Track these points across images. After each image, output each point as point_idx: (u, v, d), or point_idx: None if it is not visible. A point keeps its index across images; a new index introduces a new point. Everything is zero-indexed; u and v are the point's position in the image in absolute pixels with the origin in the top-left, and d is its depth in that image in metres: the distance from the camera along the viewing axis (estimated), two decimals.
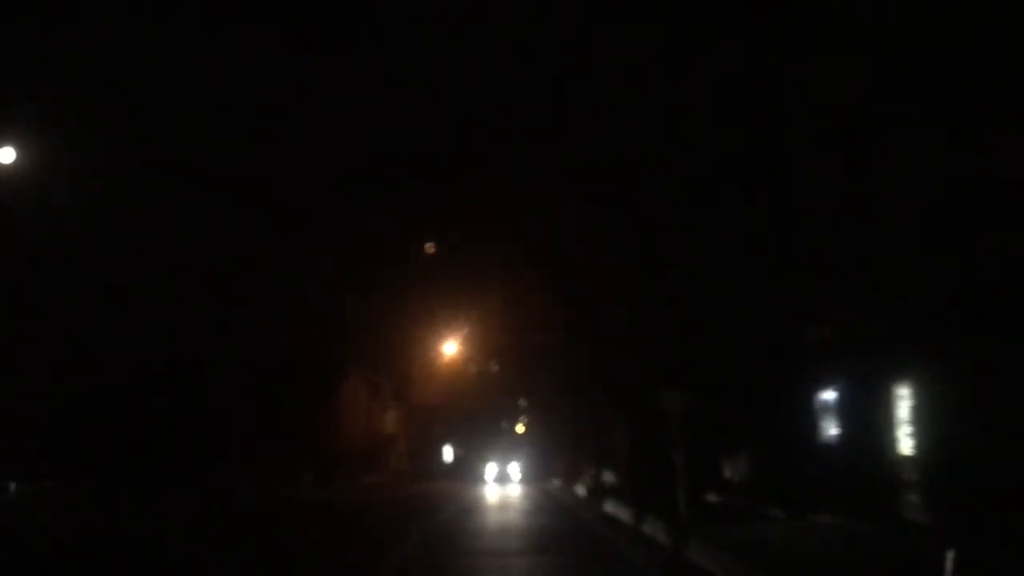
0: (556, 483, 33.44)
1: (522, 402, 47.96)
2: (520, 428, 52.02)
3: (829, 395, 11.93)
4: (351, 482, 29.04)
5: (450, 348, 37.72)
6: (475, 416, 48.16)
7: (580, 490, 23.66)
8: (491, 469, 47.70)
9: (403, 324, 35.68)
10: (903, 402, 9.90)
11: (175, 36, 20.34)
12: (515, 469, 47.93)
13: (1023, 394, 7.53)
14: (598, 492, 19.54)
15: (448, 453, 51.36)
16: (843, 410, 11.57)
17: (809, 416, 12.36)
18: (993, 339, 7.89)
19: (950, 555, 4.94)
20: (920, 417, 9.54)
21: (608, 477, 22.50)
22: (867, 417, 10.59)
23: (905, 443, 9.82)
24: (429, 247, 29.19)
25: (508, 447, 50.71)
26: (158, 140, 26.75)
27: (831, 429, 11.91)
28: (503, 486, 37.84)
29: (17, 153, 14.63)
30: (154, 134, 24.23)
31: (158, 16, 20.24)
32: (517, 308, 28.06)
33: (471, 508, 19.32)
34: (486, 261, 29.82)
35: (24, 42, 19.10)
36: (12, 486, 20.03)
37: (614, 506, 15.57)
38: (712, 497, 14.38)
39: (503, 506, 21.02)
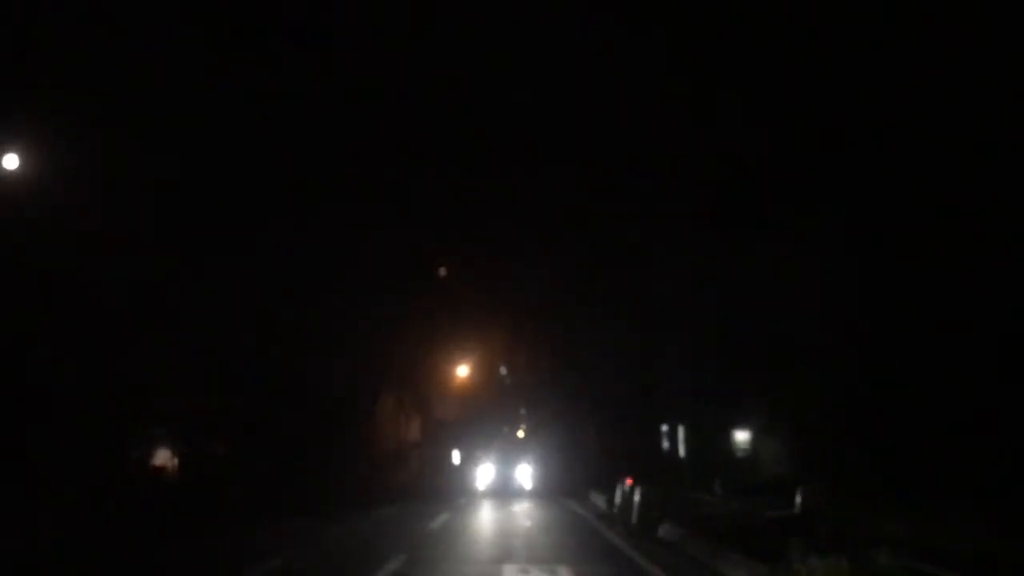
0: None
1: (522, 411, 53.79)
2: (521, 433, 52.33)
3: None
4: (389, 476, 37.00)
5: (463, 370, 46.06)
6: (478, 422, 48.21)
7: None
8: (485, 474, 37.02)
9: (422, 344, 40.55)
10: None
11: (171, 36, 18.80)
12: (525, 475, 36.52)
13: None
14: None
15: (456, 457, 58.08)
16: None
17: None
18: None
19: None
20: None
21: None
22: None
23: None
24: (441, 271, 33.80)
25: (511, 448, 43.68)
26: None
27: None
28: (503, 505, 24.74)
29: (21, 159, 14.45)
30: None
31: (148, 14, 18.40)
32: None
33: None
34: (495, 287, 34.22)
35: (25, 46, 17.38)
36: None
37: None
38: None
39: None
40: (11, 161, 14.35)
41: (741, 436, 20.41)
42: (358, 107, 24.72)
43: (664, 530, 13.75)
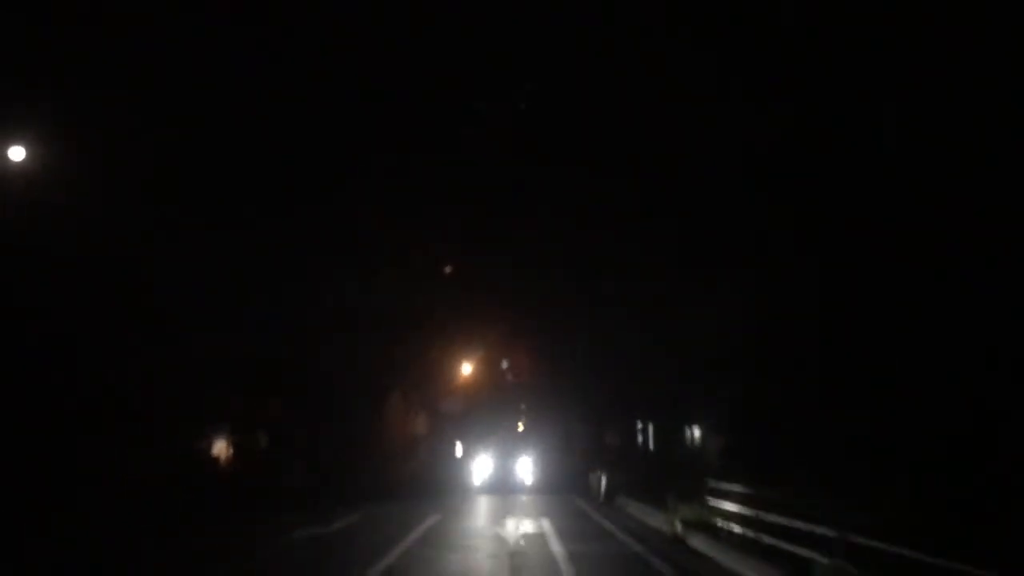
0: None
1: (522, 406, 57.50)
2: (520, 427, 52.46)
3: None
4: (398, 465, 41.24)
5: (466, 367, 49.86)
6: (480, 417, 48.82)
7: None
8: (483, 468, 35.12)
9: (426, 342, 42.50)
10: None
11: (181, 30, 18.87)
12: (526, 470, 35.48)
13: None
14: None
15: (459, 450, 62.10)
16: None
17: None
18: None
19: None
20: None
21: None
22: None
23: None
24: (448, 269, 35.15)
25: (510, 442, 42.97)
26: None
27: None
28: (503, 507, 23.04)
29: (27, 151, 14.86)
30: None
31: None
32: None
33: None
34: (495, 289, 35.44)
35: (30, 39, 17.41)
36: None
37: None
38: None
39: None
40: (17, 153, 14.89)
41: (694, 433, 25.08)
42: (359, 106, 25.39)
43: (619, 500, 22.27)
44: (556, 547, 13.56)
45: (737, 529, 12.32)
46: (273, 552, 13.39)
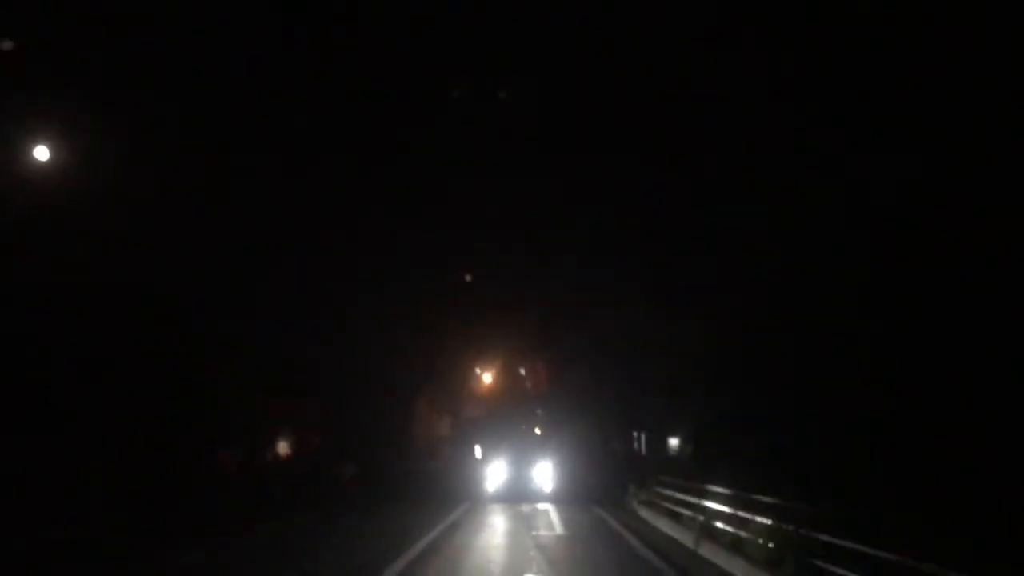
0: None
1: (538, 411, 61.33)
2: (538, 431, 59.73)
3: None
4: (423, 463, 46.04)
5: (487, 371, 53.92)
6: (500, 420, 45.82)
7: None
8: (496, 473, 30.93)
9: (452, 350, 47.06)
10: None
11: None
12: (544, 475, 29.98)
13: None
14: None
15: (479, 451, 66.00)
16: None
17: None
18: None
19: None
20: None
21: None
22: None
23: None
24: (467, 276, 37.09)
25: (527, 445, 35.47)
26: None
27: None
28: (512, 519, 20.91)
29: (51, 151, 15.01)
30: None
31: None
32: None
33: None
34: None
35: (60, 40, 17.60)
36: None
37: None
38: None
39: None
40: (42, 153, 15.20)
41: (673, 442, 30.13)
42: (364, 107, 27.76)
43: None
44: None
45: (666, 504, 17.97)
46: None
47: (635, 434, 35.65)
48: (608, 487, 26.79)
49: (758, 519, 11.12)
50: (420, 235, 34.43)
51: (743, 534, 11.50)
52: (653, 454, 31.89)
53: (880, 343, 18.32)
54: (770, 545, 10.20)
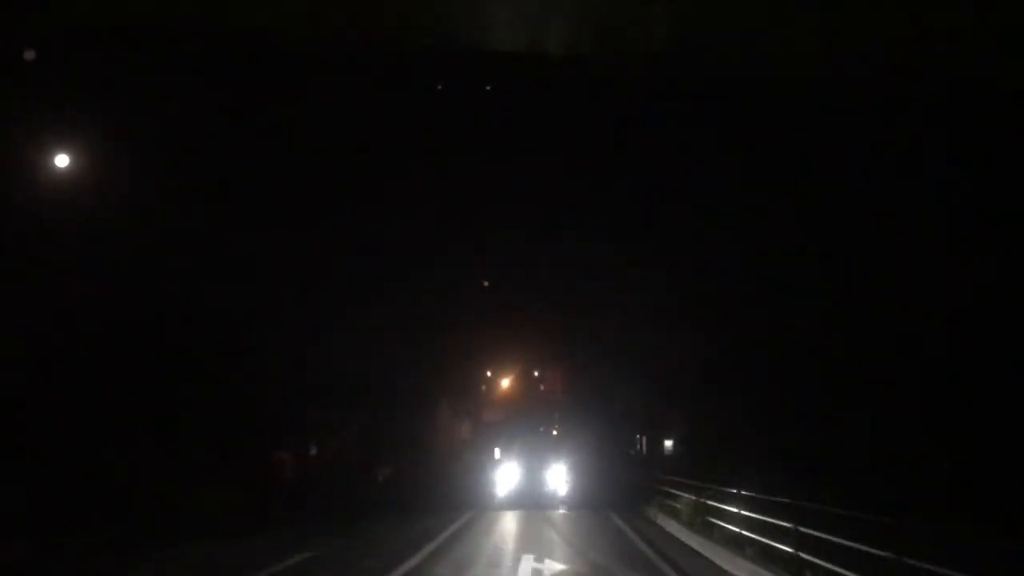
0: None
1: (555, 414, 63.64)
2: (555, 432, 50.89)
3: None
4: (446, 466, 49.34)
5: (505, 378, 56.86)
6: (517, 423, 47.92)
7: None
8: (507, 475, 30.79)
9: (473, 357, 50.76)
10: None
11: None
12: (559, 478, 30.10)
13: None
14: None
15: (497, 454, 68.56)
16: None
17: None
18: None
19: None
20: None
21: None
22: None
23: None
24: (484, 283, 39.80)
25: (541, 447, 35.76)
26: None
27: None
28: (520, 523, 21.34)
29: (71, 159, 15.07)
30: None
31: None
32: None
33: None
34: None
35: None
36: None
37: None
38: None
39: None
40: (63, 160, 15.28)
41: (668, 444, 33.80)
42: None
43: None
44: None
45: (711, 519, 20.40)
46: None
47: (638, 436, 39.48)
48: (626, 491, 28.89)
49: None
50: (452, 245, 37.47)
51: None
52: (652, 455, 35.80)
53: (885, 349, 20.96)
54: None
